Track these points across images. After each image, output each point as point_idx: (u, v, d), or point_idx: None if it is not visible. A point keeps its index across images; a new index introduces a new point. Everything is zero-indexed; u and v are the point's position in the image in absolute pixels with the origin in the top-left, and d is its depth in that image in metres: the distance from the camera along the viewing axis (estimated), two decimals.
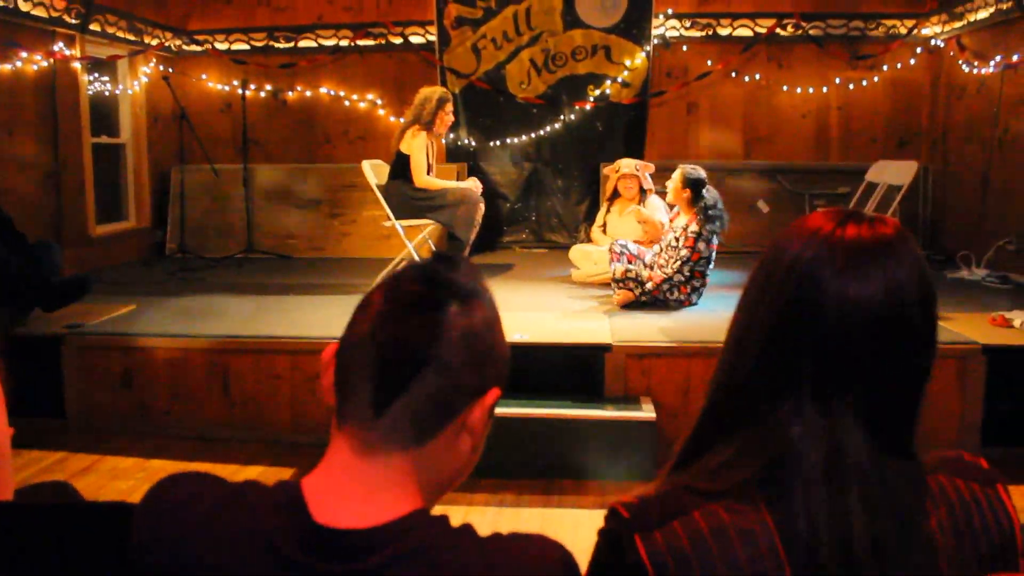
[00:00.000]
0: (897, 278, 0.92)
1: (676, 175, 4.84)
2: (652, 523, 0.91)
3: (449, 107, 5.68)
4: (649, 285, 4.81)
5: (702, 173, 4.80)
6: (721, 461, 0.96)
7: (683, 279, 4.80)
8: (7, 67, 5.62)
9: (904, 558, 0.89)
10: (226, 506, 0.93)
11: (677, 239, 4.84)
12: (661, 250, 4.99)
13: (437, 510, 0.94)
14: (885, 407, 0.93)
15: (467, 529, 0.93)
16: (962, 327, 4.28)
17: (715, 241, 4.77)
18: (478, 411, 0.95)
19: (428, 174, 5.61)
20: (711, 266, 4.86)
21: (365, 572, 0.87)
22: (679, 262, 4.78)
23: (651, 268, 4.97)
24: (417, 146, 5.51)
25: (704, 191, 4.73)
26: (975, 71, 6.49)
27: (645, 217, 5.52)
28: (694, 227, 4.74)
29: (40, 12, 5.79)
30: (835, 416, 0.91)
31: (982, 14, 6.35)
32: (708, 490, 0.93)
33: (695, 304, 4.90)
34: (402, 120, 5.86)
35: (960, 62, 6.70)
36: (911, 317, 0.93)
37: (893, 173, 6.05)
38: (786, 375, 0.93)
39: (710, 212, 4.68)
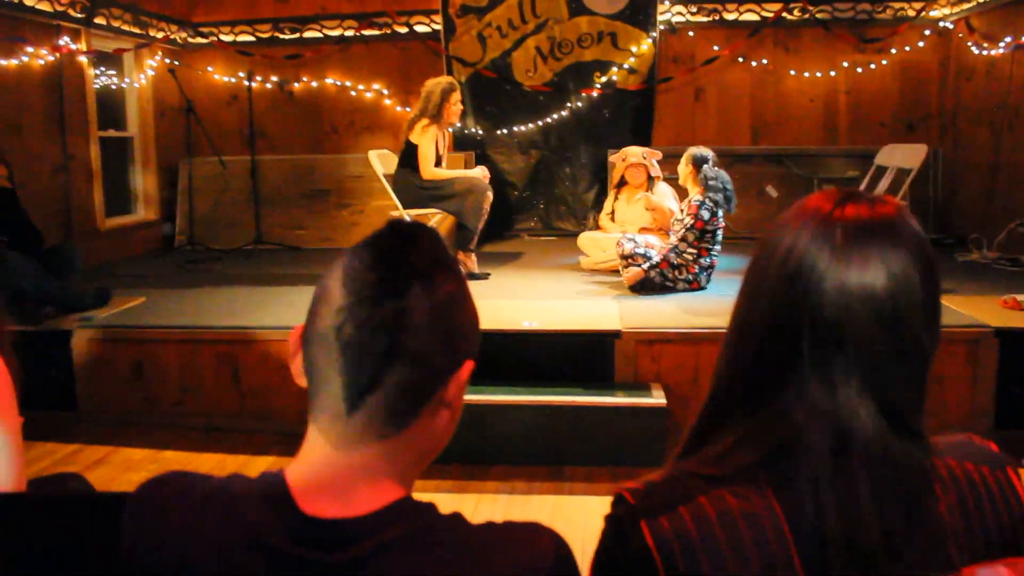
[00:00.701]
0: (899, 257, 0.90)
1: (684, 156, 5.02)
2: (658, 509, 0.91)
3: (455, 96, 5.57)
4: (656, 257, 4.90)
5: (707, 152, 5.00)
6: (727, 446, 0.94)
7: (691, 256, 4.88)
8: (13, 62, 5.63)
9: (913, 542, 0.88)
10: (211, 501, 0.92)
11: (682, 211, 5.00)
12: (670, 234, 5.10)
13: (443, 499, 0.93)
14: (890, 389, 0.91)
15: (456, 516, 0.92)
16: (974, 310, 4.25)
17: (719, 215, 4.85)
18: (453, 388, 0.92)
19: (438, 166, 5.58)
20: (718, 246, 4.93)
21: (355, 561, 0.86)
22: (684, 230, 4.88)
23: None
24: (427, 139, 5.45)
25: (705, 165, 4.90)
26: (985, 53, 6.44)
27: (654, 204, 5.52)
28: (697, 196, 4.88)
29: (45, 6, 5.80)
30: (840, 399, 0.90)
31: None
32: (714, 475, 0.92)
33: (704, 288, 4.93)
34: (408, 110, 5.81)
35: (969, 44, 6.65)
36: (913, 297, 0.91)
37: (902, 156, 6.01)
38: (789, 358, 0.92)
39: (709, 182, 4.83)
